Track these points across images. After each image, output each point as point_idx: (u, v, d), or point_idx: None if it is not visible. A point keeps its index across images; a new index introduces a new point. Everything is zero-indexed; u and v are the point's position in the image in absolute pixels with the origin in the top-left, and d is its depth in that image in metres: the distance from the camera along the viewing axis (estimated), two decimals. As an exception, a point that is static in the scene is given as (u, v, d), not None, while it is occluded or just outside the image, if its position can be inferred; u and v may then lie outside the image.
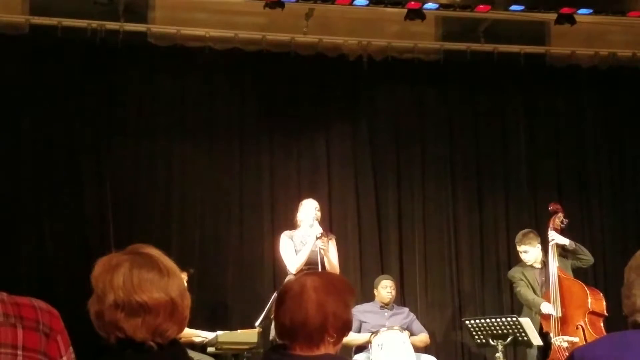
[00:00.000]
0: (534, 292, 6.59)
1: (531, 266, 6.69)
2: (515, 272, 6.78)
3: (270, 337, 6.01)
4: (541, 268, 6.69)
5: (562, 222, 6.57)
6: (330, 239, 6.26)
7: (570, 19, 7.37)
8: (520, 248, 6.73)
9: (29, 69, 7.26)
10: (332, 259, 6.22)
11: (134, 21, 7.56)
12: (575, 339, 6.09)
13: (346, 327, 2.39)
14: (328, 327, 2.32)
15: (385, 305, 6.92)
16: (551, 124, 8.32)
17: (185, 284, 6.31)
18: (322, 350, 2.33)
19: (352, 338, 6.65)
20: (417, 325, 6.96)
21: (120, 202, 7.30)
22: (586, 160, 8.30)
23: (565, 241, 6.55)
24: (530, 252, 6.67)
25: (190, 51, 7.64)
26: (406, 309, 7.12)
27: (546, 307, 6.32)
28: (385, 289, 6.91)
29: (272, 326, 5.96)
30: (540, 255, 6.70)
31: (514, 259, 7.16)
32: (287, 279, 6.11)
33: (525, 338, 6.22)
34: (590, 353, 2.05)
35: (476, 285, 7.93)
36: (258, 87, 7.80)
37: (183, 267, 6.32)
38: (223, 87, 7.79)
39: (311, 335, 2.31)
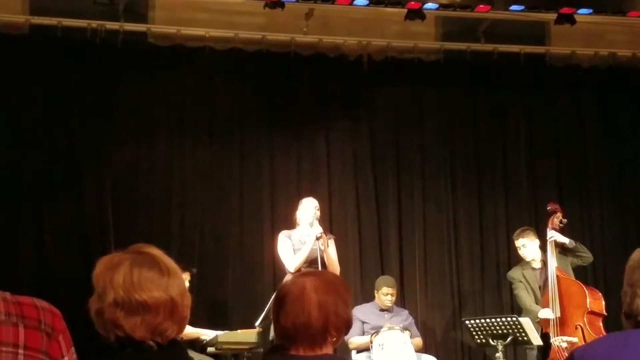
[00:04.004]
0: (534, 294, 6.59)
1: (531, 267, 6.69)
2: (515, 273, 6.77)
3: (271, 337, 6.01)
4: (541, 268, 6.69)
5: (560, 221, 6.57)
6: (329, 239, 6.25)
7: (570, 19, 7.37)
8: (518, 242, 6.73)
9: (29, 69, 7.25)
10: (332, 259, 6.22)
11: (134, 21, 7.56)
12: (575, 339, 6.08)
13: (347, 326, 2.39)
14: (330, 327, 2.32)
15: (384, 309, 6.92)
16: (551, 124, 8.32)
17: (188, 284, 6.33)
18: (324, 350, 2.33)
19: (356, 341, 6.65)
20: (414, 329, 6.94)
21: (120, 202, 7.30)
22: (586, 160, 8.30)
23: (565, 240, 6.55)
24: (528, 246, 6.66)
25: (190, 51, 7.63)
26: (406, 312, 7.12)
27: (544, 313, 6.32)
28: (387, 296, 6.89)
29: (272, 326, 5.97)
30: (540, 254, 6.70)
31: (514, 259, 7.17)
32: (285, 278, 6.12)
33: (525, 338, 6.22)
34: (590, 353, 2.05)
35: (476, 285, 7.92)
36: (258, 87, 7.80)
37: (185, 267, 6.43)
38: (223, 87, 7.78)
39: (314, 336, 2.31)
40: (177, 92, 7.66)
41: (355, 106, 7.97)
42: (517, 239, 6.76)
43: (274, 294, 2.47)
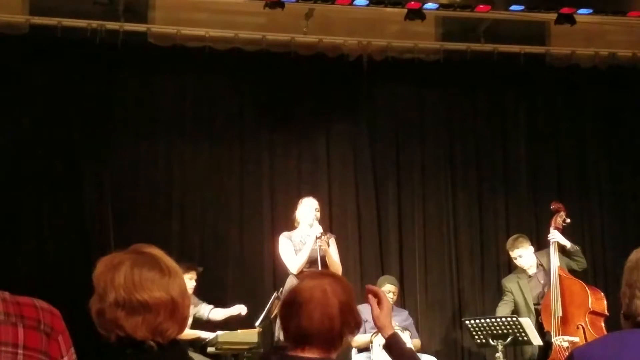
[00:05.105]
0: (526, 302, 6.60)
1: (527, 275, 6.69)
2: (510, 283, 6.77)
3: (276, 337, 6.00)
4: (537, 272, 6.69)
5: (564, 221, 6.58)
6: (330, 238, 6.25)
7: (570, 19, 7.37)
8: (513, 254, 6.74)
9: (29, 69, 7.26)
10: (334, 258, 6.21)
11: (134, 21, 7.56)
12: (576, 339, 6.09)
13: (358, 327, 2.44)
14: (345, 329, 2.36)
15: (385, 309, 6.92)
16: (551, 124, 8.32)
17: (194, 282, 6.49)
18: (333, 354, 2.36)
19: (358, 339, 6.65)
20: (413, 330, 6.95)
21: (120, 202, 7.30)
22: (586, 160, 8.30)
23: (566, 242, 6.57)
24: (524, 255, 6.68)
25: (190, 51, 7.64)
26: (405, 312, 7.12)
27: None
28: (388, 293, 6.89)
29: (278, 326, 5.99)
30: (535, 259, 6.71)
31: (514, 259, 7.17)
32: (288, 279, 6.13)
33: (525, 338, 6.22)
34: (589, 352, 2.06)
35: (476, 285, 7.92)
36: (258, 87, 7.80)
37: (191, 266, 6.50)
38: (223, 87, 7.78)
39: (333, 338, 2.36)
40: (177, 92, 7.66)
41: (355, 106, 7.97)
42: (512, 250, 6.77)
43: (289, 294, 2.47)
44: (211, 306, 6.66)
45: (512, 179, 8.16)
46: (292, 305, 2.39)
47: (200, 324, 6.62)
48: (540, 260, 6.70)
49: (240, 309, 6.52)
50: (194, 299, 6.55)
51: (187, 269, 6.41)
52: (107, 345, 2.04)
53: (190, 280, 6.42)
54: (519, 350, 6.81)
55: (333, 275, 2.54)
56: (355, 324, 2.42)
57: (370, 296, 2.46)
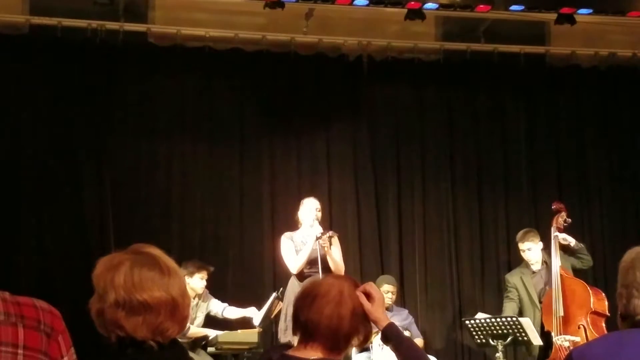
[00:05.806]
0: (530, 298, 6.60)
1: (531, 271, 6.70)
2: (513, 278, 6.77)
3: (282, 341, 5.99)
4: (540, 270, 6.70)
5: (565, 221, 6.59)
6: (332, 237, 6.23)
7: (570, 19, 7.38)
8: (523, 246, 6.72)
9: (29, 69, 7.26)
10: (336, 258, 6.20)
11: (134, 21, 7.56)
12: (577, 339, 6.09)
13: (366, 339, 2.45)
14: (353, 335, 2.37)
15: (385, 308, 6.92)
16: (551, 124, 8.32)
17: (205, 282, 6.46)
18: (337, 356, 2.36)
19: None
20: (414, 328, 6.95)
21: (120, 202, 7.30)
22: (586, 160, 8.30)
23: (571, 240, 6.57)
24: (533, 249, 6.67)
25: (190, 51, 7.64)
26: (405, 311, 7.13)
27: None
28: (387, 293, 6.90)
29: (279, 327, 6.00)
30: (542, 256, 6.71)
31: (514, 259, 7.17)
32: (290, 280, 6.14)
33: (525, 338, 6.22)
34: (588, 353, 2.06)
35: (476, 285, 7.92)
36: (258, 87, 7.80)
37: (203, 265, 6.50)
38: (223, 87, 7.79)
39: (339, 339, 2.36)
40: (177, 92, 7.65)
41: (355, 106, 7.97)
42: (521, 242, 6.75)
43: (307, 286, 2.49)
44: (225, 304, 6.64)
45: (512, 179, 8.16)
46: (307, 297, 2.40)
47: (212, 320, 6.63)
48: (545, 258, 6.71)
49: (254, 313, 6.48)
50: (206, 295, 6.57)
51: (199, 269, 6.41)
52: (107, 346, 2.05)
53: (201, 280, 6.42)
54: (525, 350, 6.79)
55: (356, 283, 2.54)
56: (364, 335, 2.42)
57: (358, 292, 2.43)
